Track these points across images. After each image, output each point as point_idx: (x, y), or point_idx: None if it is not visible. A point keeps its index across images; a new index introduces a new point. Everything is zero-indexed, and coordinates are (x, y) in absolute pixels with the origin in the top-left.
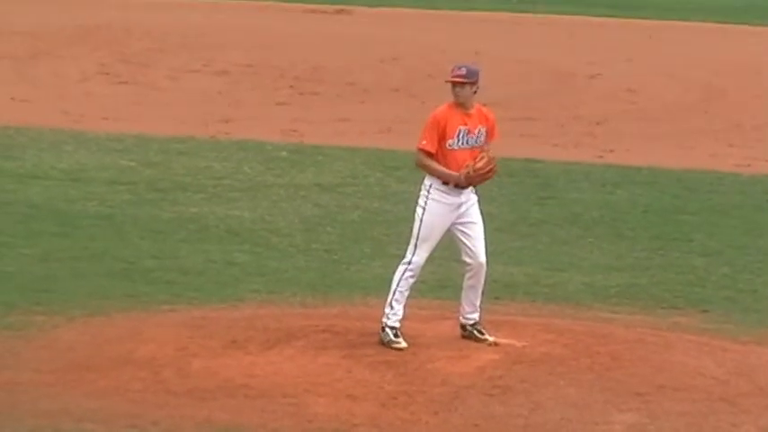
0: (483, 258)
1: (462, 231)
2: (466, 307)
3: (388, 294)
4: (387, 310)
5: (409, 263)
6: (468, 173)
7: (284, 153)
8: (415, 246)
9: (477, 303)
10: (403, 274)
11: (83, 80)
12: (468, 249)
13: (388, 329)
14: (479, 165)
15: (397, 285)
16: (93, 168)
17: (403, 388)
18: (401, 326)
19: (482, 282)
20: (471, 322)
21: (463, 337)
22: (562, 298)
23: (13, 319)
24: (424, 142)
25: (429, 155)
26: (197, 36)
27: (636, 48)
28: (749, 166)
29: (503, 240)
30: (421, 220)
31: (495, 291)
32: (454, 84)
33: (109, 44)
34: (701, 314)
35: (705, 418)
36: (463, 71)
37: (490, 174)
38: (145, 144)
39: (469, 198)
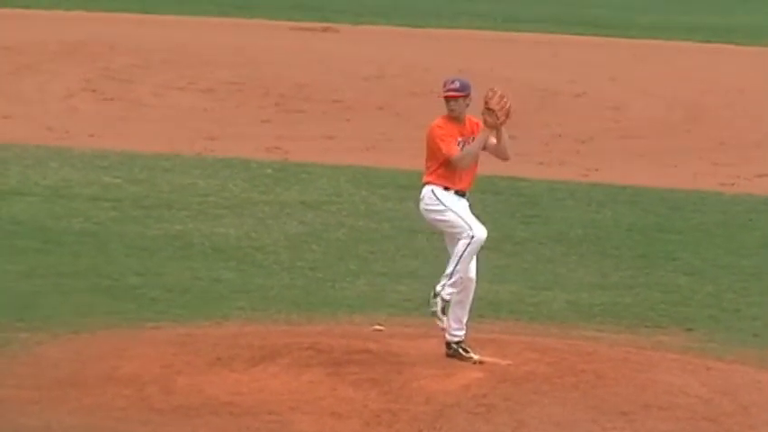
0: (473, 273)
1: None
2: (453, 324)
3: (448, 267)
4: (445, 281)
5: (472, 237)
6: (493, 111)
7: (269, 170)
8: (468, 225)
9: (464, 320)
10: (466, 248)
11: (68, 96)
12: None
13: (441, 298)
14: (493, 102)
15: (461, 257)
16: (77, 185)
17: (387, 406)
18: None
19: (471, 297)
20: (456, 340)
21: (448, 355)
22: (546, 316)
23: None
24: (446, 149)
25: (458, 154)
26: (182, 53)
27: (620, 66)
28: (733, 185)
29: (488, 258)
30: (453, 212)
31: (479, 309)
32: (448, 98)
33: (93, 60)
34: (686, 333)
35: None
36: (457, 84)
37: (508, 102)
38: (130, 161)
39: (465, 206)
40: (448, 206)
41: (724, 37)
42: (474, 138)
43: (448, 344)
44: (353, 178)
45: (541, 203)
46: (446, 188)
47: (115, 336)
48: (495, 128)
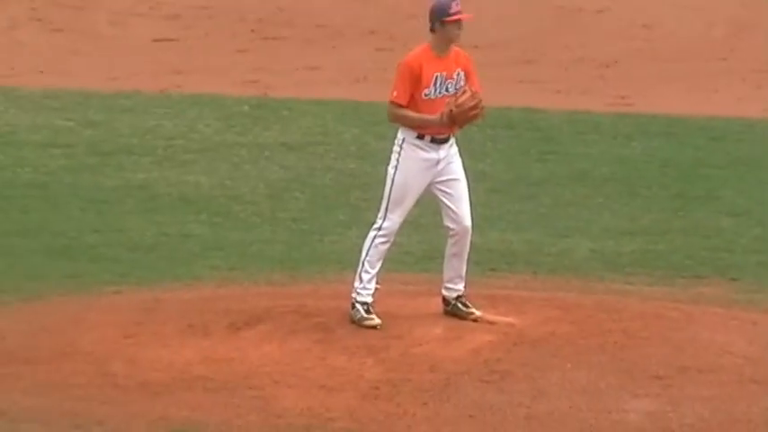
0: (468, 222)
1: (443, 191)
2: (452, 276)
3: (357, 266)
4: (356, 284)
5: (380, 228)
6: (451, 110)
7: (246, 108)
8: (387, 209)
9: (463, 273)
10: (372, 240)
11: (11, 27)
12: (450, 212)
13: (358, 306)
14: (462, 99)
15: (367, 254)
16: (25, 130)
17: (386, 376)
18: (374, 301)
19: (467, 249)
20: (455, 295)
21: (446, 312)
22: (568, 268)
23: None
24: (396, 93)
25: (401, 107)
26: None
27: None
28: None
29: (499, 203)
30: (392, 181)
31: (491, 261)
32: (453, 22)
33: None
34: (729, 283)
35: (735, 402)
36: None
37: (476, 111)
38: (84, 101)
39: (449, 152)
40: (398, 172)
41: None
42: (460, 76)
43: (445, 299)
44: (342, 114)
45: (560, 138)
46: (420, 135)
47: (72, 303)
48: (440, 125)
